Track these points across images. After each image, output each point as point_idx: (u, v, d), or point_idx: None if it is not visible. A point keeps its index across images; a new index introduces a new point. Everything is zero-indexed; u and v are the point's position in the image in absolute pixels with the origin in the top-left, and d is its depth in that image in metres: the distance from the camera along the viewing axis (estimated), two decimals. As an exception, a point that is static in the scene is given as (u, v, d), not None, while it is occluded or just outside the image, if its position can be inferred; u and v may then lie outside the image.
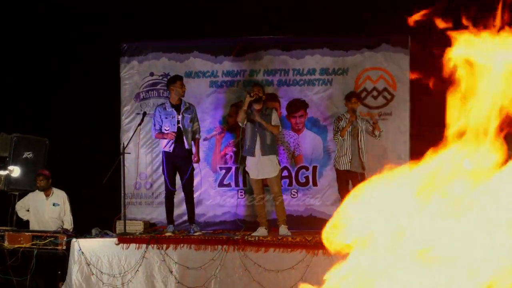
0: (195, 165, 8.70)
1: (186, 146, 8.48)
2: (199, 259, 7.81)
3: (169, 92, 8.68)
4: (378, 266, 3.63)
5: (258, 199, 8.54)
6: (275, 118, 8.56)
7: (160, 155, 8.81)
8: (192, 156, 8.59)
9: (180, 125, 8.45)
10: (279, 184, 8.63)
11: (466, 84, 3.59)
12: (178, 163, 8.51)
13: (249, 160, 8.52)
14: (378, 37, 9.40)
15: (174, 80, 8.57)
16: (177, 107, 8.53)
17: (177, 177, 8.67)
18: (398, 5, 8.46)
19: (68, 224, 8.80)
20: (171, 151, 8.44)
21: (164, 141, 8.53)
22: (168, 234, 8.27)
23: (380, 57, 9.39)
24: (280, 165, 8.61)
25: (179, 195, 8.87)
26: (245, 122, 8.51)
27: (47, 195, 8.85)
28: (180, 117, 8.46)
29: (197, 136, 8.72)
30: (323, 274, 4.01)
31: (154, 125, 8.61)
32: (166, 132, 8.45)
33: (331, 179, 9.31)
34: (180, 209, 9.06)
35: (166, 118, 8.50)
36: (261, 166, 8.43)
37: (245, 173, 9.37)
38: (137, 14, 9.52)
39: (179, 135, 8.45)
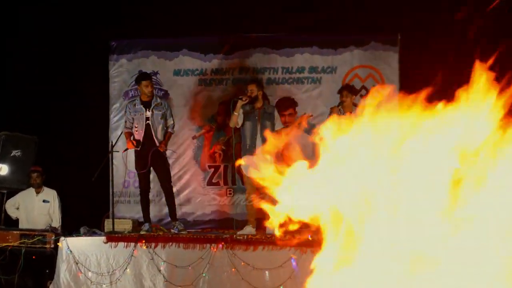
0: (177, 160, 8.71)
1: (157, 143, 8.38)
2: (187, 258, 7.79)
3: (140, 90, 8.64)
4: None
5: (249, 198, 8.52)
6: (278, 118, 8.48)
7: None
8: (161, 145, 8.39)
9: (149, 121, 8.36)
10: None
11: None
12: (151, 161, 8.40)
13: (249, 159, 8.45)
14: (367, 35, 9.40)
15: (138, 81, 8.52)
16: (146, 104, 8.43)
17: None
18: (387, 3, 8.50)
19: (57, 222, 8.83)
20: (139, 149, 8.38)
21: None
22: (143, 232, 8.22)
23: (369, 55, 9.39)
24: None
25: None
26: (241, 123, 8.47)
27: (37, 192, 8.95)
28: (149, 113, 8.40)
29: (169, 130, 8.54)
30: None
31: (125, 122, 8.58)
32: (136, 131, 8.39)
33: (320, 178, 9.30)
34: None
35: (135, 115, 8.43)
36: None
37: (236, 171, 9.38)
38: (126, 12, 9.48)
39: (148, 133, 8.37)
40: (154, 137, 8.36)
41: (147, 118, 8.37)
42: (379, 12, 8.78)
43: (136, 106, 8.45)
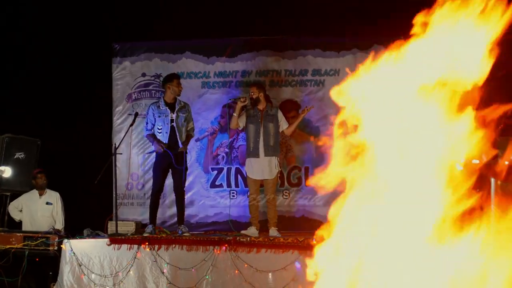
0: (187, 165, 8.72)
1: (180, 145, 8.43)
2: (190, 260, 7.80)
3: (165, 90, 8.59)
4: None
5: (251, 199, 8.52)
6: (281, 118, 8.53)
7: (153, 155, 8.78)
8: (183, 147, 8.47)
9: (174, 124, 8.39)
10: (275, 186, 8.60)
11: None
12: (171, 163, 8.45)
13: (251, 161, 8.48)
14: (370, 38, 9.38)
15: (171, 79, 8.50)
16: (171, 106, 8.46)
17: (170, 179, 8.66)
18: (390, 6, 8.50)
19: (60, 224, 8.83)
20: (162, 151, 8.38)
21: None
22: (146, 234, 8.22)
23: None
24: (278, 167, 8.53)
25: (172, 196, 8.86)
26: (242, 126, 8.50)
27: (41, 194, 8.94)
28: (174, 115, 8.41)
29: (191, 133, 8.64)
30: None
31: (147, 123, 8.54)
32: (159, 133, 8.40)
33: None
34: (173, 209, 9.05)
35: (159, 116, 8.43)
36: (262, 167, 8.38)
37: (239, 173, 9.40)
38: (129, 14, 9.50)
39: (172, 135, 8.40)
40: (178, 140, 8.39)
41: (172, 120, 8.39)
42: (381, 15, 8.77)
43: (161, 108, 8.45)
